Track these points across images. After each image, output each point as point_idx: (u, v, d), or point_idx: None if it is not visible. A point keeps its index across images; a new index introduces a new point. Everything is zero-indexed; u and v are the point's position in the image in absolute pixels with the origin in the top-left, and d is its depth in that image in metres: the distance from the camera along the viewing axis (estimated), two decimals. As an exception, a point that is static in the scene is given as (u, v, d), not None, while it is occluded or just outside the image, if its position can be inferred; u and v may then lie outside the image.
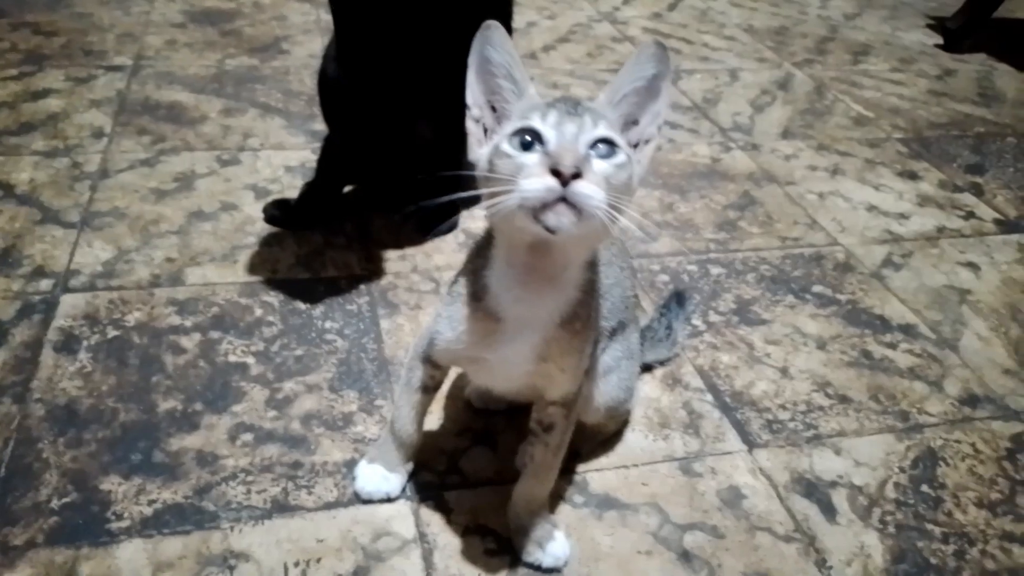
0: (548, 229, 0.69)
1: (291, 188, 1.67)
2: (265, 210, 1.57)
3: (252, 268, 1.43)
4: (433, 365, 0.98)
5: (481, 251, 0.88)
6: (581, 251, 0.81)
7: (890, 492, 1.16)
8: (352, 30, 1.39)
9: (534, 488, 0.98)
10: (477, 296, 0.86)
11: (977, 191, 2.01)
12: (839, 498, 1.14)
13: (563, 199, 0.68)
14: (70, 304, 1.31)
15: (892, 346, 1.44)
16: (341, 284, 1.42)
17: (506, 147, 0.73)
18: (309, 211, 1.56)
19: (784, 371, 1.36)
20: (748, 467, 1.17)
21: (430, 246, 1.56)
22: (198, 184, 1.66)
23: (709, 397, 1.28)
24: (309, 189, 1.58)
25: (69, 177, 1.64)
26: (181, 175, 1.68)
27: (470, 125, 0.81)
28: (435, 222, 1.59)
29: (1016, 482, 1.20)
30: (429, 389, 1.01)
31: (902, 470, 1.20)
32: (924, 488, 1.17)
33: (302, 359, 1.25)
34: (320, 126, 1.88)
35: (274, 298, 1.37)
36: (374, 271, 1.47)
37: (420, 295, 1.42)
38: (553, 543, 0.98)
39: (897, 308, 1.55)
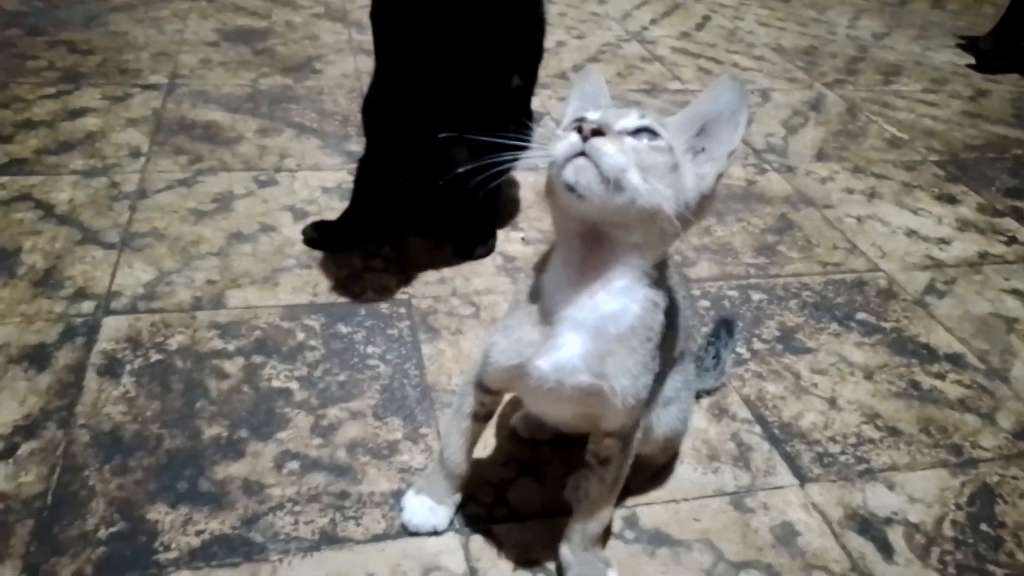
0: (569, 187, 0.73)
1: (328, 209, 1.67)
2: (304, 232, 1.56)
3: (293, 291, 1.43)
4: (485, 390, 0.96)
5: (542, 259, 0.89)
6: (632, 247, 0.79)
7: (948, 530, 1.13)
8: (391, 57, 1.39)
9: (588, 524, 0.96)
10: (533, 298, 0.86)
11: (1018, 216, 1.98)
12: (895, 535, 1.11)
13: (583, 154, 0.72)
14: (112, 327, 1.30)
15: (940, 376, 1.42)
16: (381, 308, 1.41)
17: (558, 132, 0.78)
18: (348, 233, 1.56)
19: (832, 402, 1.33)
20: (800, 503, 1.14)
21: (468, 269, 1.55)
22: (236, 205, 1.65)
23: (757, 429, 1.26)
24: (347, 212, 1.57)
25: (108, 197, 1.64)
26: (219, 196, 1.68)
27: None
28: (473, 245, 1.58)
29: (1076, 520, 1.17)
30: (480, 417, 0.99)
31: (959, 507, 1.17)
32: (983, 527, 1.14)
33: (345, 385, 1.24)
34: (355, 147, 1.89)
35: (315, 322, 1.36)
36: (413, 295, 1.46)
37: (461, 319, 1.41)
38: None
39: (943, 337, 1.52)
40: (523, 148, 1.68)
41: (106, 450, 1.09)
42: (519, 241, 1.66)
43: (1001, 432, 1.31)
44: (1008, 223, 1.95)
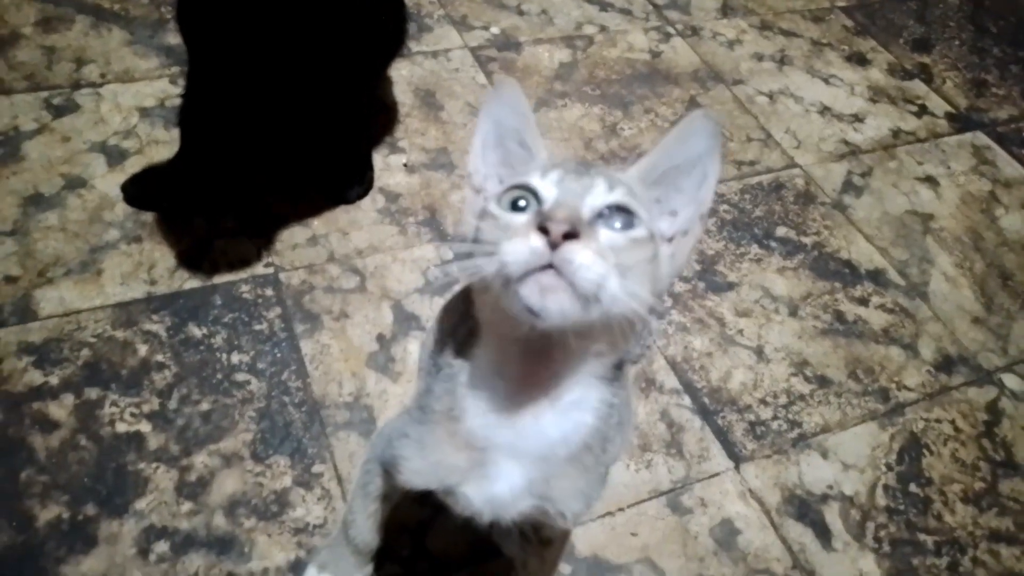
0: (530, 310, 0.51)
1: (153, 144, 1.32)
2: (125, 189, 1.23)
3: (122, 280, 1.14)
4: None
5: (460, 343, 0.67)
6: (594, 359, 0.60)
7: (880, 499, 1.10)
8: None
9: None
10: (453, 415, 0.66)
11: (927, 76, 1.86)
12: (832, 515, 1.07)
13: (551, 267, 0.50)
14: None
15: (864, 302, 1.34)
16: (241, 291, 1.16)
17: (493, 207, 0.57)
18: (182, 185, 1.24)
19: (760, 352, 1.24)
20: (738, 490, 1.07)
21: (344, 219, 1.29)
22: (27, 149, 1.28)
23: (687, 400, 1.15)
24: (178, 156, 1.24)
25: None
26: (0, 136, 1.29)
27: (468, 195, 0.64)
28: (346, 186, 1.31)
29: (996, 464, 1.17)
30: (390, 498, 0.82)
31: (889, 467, 1.13)
32: (912, 488, 1.12)
33: (210, 416, 1.02)
34: (175, 38, 1.49)
35: (159, 324, 1.10)
36: (281, 266, 1.20)
37: (344, 296, 1.18)
38: None
39: (864, 249, 1.43)
40: (399, 45, 1.36)
41: (-93, 566, 0.86)
42: (401, 169, 1.39)
43: (924, 365, 1.27)
44: (918, 87, 1.83)
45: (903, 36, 1.98)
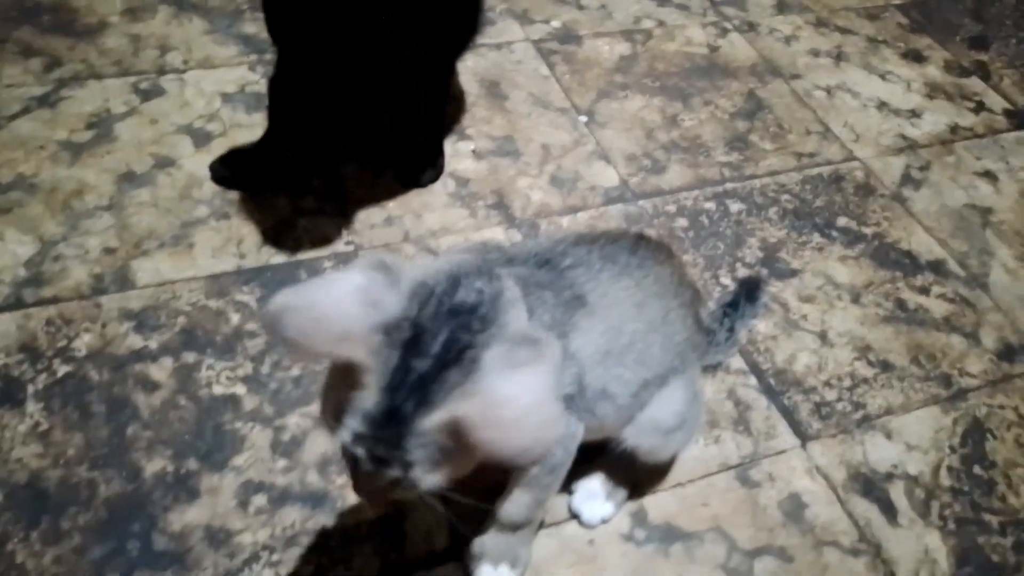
0: None
1: (235, 127, 1.38)
2: (212, 169, 1.29)
3: (213, 254, 1.19)
4: None
5: None
6: None
7: (944, 479, 1.12)
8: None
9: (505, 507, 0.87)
10: None
11: (984, 73, 1.87)
12: (897, 493, 1.09)
13: None
14: (-3, 330, 1.06)
15: (924, 291, 1.36)
16: (324, 267, 1.21)
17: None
18: (267, 166, 1.30)
19: (823, 336, 1.26)
20: (804, 467, 1.10)
21: (417, 201, 1.33)
22: (118, 130, 1.34)
23: (753, 380, 1.18)
24: (264, 138, 1.30)
25: (-53, 129, 1.30)
26: (94, 117, 1.35)
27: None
28: (418, 170, 1.35)
29: (1059, 450, 1.18)
30: None
31: (952, 450, 1.15)
32: (976, 470, 1.14)
33: (300, 381, 1.07)
34: (251, 28, 1.56)
35: (249, 296, 1.15)
36: (360, 244, 1.25)
37: (420, 274, 1.22)
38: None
39: (923, 240, 1.45)
40: (474, 31, 1.40)
41: (29, 510, 0.91)
42: (470, 155, 1.43)
43: (986, 353, 1.29)
44: (975, 84, 1.84)
45: (959, 34, 1.99)
